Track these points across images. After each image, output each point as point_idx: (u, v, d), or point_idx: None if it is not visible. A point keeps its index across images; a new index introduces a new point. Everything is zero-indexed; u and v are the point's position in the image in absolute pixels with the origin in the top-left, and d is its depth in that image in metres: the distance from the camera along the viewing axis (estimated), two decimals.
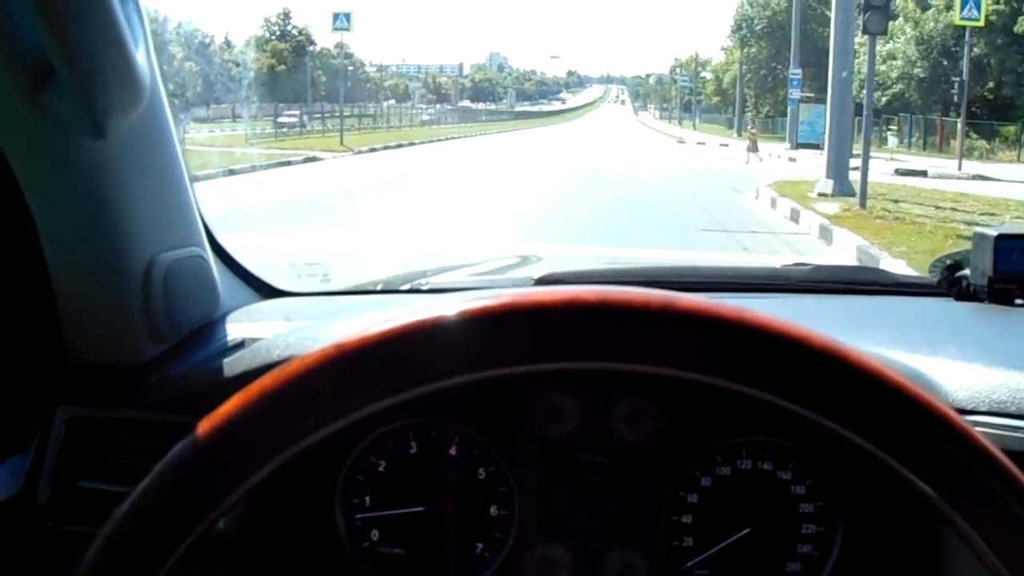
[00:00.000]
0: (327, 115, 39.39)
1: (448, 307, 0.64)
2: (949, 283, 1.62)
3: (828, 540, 1.28)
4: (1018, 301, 1.51)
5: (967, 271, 1.57)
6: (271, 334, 1.29)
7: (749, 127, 37.36)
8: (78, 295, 1.21)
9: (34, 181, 1.15)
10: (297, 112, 37.05)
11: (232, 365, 1.24)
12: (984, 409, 1.14)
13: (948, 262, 1.64)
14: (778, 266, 2.02)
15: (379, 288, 1.80)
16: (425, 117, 64.75)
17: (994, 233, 1.49)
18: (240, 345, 1.29)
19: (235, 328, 1.36)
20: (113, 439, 1.23)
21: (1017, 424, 1.12)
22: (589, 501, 1.30)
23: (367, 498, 1.31)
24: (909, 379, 1.14)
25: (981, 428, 1.11)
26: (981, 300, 1.53)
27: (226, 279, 1.46)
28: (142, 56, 1.09)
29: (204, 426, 0.65)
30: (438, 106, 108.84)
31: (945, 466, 0.64)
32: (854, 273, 1.98)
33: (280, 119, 34.33)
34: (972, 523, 0.64)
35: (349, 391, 0.64)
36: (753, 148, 31.34)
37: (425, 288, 1.73)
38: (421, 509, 1.30)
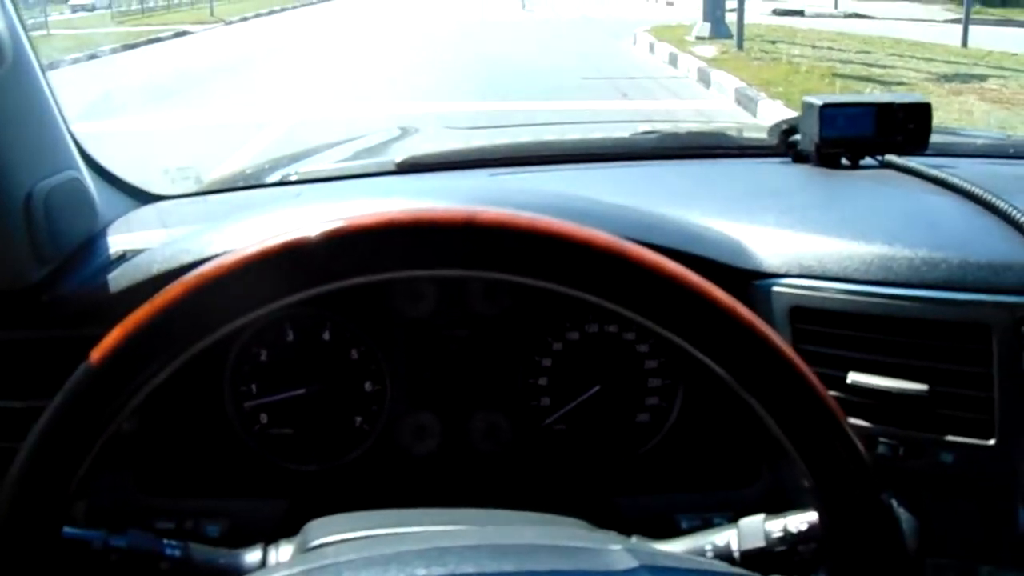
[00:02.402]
0: None
1: (287, 233, 0.73)
2: (787, 146, 1.72)
3: (672, 392, 1.42)
4: (844, 162, 1.64)
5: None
6: (150, 243, 1.35)
7: None
8: None
9: None
10: None
11: (116, 280, 1.29)
12: (795, 272, 1.26)
13: (784, 126, 1.74)
14: (627, 135, 2.10)
15: (250, 183, 1.85)
16: None
17: (819, 102, 1.59)
18: (122, 258, 1.34)
19: (115, 240, 1.41)
20: (11, 359, 1.28)
21: (818, 284, 1.24)
22: (453, 371, 1.42)
23: (253, 386, 1.40)
24: (725, 248, 1.27)
25: (788, 290, 1.25)
26: (812, 163, 1.65)
27: (103, 191, 1.49)
28: (1, 18, 1.13)
29: (95, 355, 0.75)
30: None
31: (720, 340, 0.75)
32: (700, 139, 2.07)
33: (72, 2, 31.15)
34: (752, 393, 0.76)
35: (210, 314, 0.75)
36: None
37: (293, 179, 1.79)
38: (303, 391, 1.40)
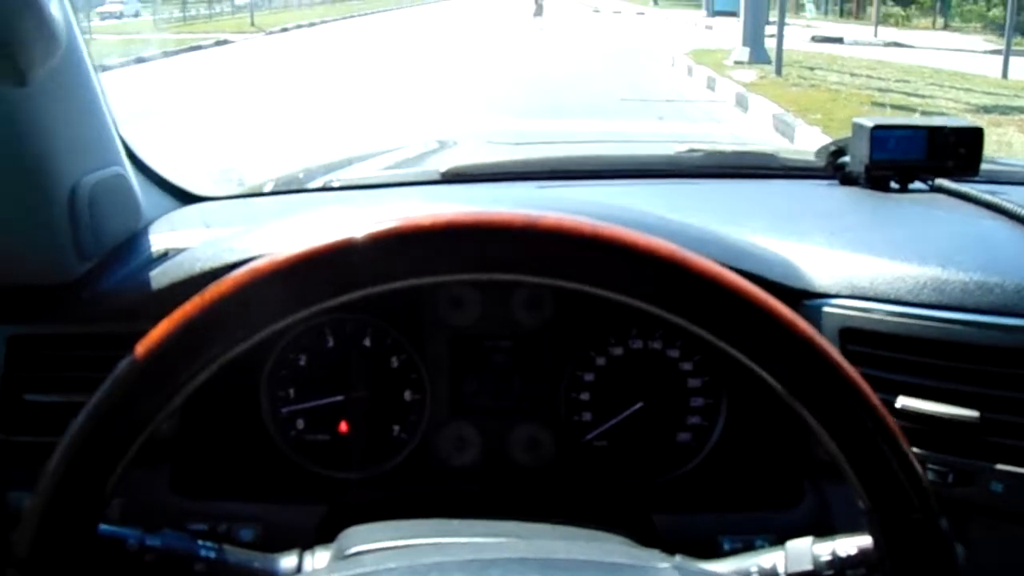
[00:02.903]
0: None
1: (341, 232, 0.72)
2: (834, 168, 1.71)
3: (714, 411, 1.40)
4: (893, 185, 1.62)
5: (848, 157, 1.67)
6: (192, 243, 1.35)
7: None
8: (6, 223, 1.24)
9: None
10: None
11: (157, 278, 1.29)
12: (846, 293, 1.24)
13: (833, 148, 1.72)
14: (672, 152, 2.09)
15: (292, 187, 1.85)
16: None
17: (871, 124, 1.57)
18: (164, 256, 1.34)
19: (157, 239, 1.41)
20: (51, 354, 1.28)
21: (869, 306, 1.22)
22: (494, 383, 1.40)
23: (291, 391, 1.40)
24: (775, 267, 1.25)
25: (839, 311, 1.23)
26: (861, 185, 1.63)
27: (146, 189, 1.49)
28: (56, 7, 1.13)
29: (140, 348, 0.73)
30: None
31: (779, 355, 0.73)
32: (745, 158, 2.06)
33: (100, 9, 30.92)
34: (804, 403, 0.74)
35: (259, 311, 0.73)
36: (538, 12, 28.60)
37: (335, 185, 1.78)
38: (341, 398, 1.39)
